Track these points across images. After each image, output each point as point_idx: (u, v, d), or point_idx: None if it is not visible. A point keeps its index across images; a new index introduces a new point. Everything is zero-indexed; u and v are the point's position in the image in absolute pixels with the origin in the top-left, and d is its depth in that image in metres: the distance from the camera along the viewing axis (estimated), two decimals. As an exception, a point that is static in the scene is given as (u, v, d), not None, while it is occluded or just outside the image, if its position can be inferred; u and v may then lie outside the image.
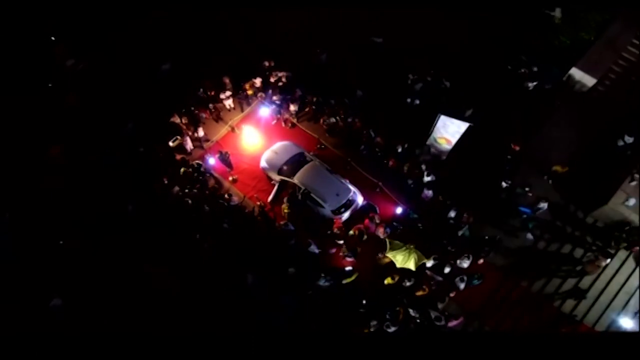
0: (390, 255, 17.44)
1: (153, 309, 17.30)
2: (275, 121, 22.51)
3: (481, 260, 18.45)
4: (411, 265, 17.14)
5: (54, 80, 22.45)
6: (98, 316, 16.92)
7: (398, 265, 17.31)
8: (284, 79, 22.71)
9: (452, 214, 18.96)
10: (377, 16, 24.92)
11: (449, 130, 18.95)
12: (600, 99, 22.12)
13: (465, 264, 17.86)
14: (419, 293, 17.53)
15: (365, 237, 18.74)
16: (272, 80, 22.65)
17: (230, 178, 20.94)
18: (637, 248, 18.39)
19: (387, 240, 17.82)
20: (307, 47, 23.73)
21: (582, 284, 18.29)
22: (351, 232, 18.75)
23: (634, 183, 19.52)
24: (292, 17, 24.66)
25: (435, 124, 19.29)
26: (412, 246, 17.40)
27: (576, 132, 21.29)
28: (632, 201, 19.17)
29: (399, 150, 20.75)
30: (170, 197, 19.42)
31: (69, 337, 10.76)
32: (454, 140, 19.16)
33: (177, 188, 19.62)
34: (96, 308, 17.19)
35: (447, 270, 17.80)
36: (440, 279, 17.81)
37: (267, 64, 22.89)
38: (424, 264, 17.53)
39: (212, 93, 22.49)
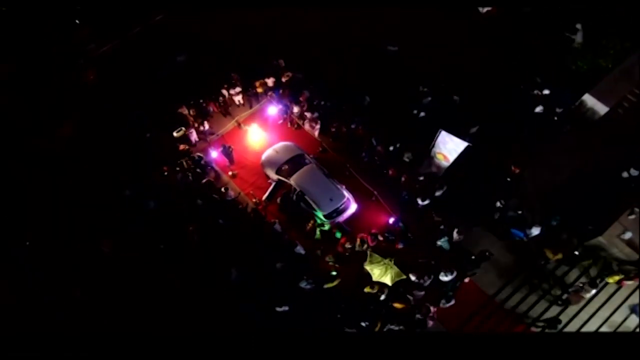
0: (367, 268, 17.82)
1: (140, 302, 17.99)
2: (281, 121, 23.16)
3: (467, 279, 18.80)
4: (387, 280, 17.50)
5: (72, 61, 23.53)
6: (85, 313, 17.58)
7: (374, 278, 17.66)
8: (294, 80, 23.40)
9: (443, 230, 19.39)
10: (393, 23, 25.54)
11: (447, 147, 19.24)
12: (610, 128, 22.10)
13: (447, 277, 18.13)
14: (398, 305, 17.84)
15: (365, 246, 19.08)
16: (282, 80, 23.28)
17: (230, 173, 21.64)
18: (626, 282, 18.46)
19: (368, 252, 18.19)
20: (320, 49, 24.43)
21: (567, 313, 18.45)
22: (357, 240, 19.08)
23: (633, 217, 19.54)
24: (306, 18, 25.38)
25: (436, 139, 19.68)
26: (391, 261, 17.75)
27: (582, 159, 21.35)
28: (628, 235, 19.18)
29: (390, 149, 21.40)
30: (168, 186, 20.27)
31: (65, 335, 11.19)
32: (451, 157, 19.43)
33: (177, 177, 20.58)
34: (85, 304, 17.90)
35: (427, 283, 18.12)
36: (421, 294, 18.06)
37: (278, 63, 23.59)
38: (402, 280, 17.87)
39: (224, 87, 23.18)
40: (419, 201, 19.60)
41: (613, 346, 9.69)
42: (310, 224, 19.63)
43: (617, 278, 18.50)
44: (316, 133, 22.33)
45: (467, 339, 12.12)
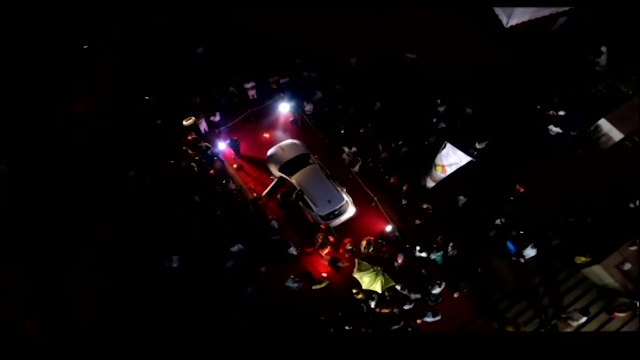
0: (357, 276, 18.07)
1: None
2: (292, 119, 23.66)
3: (457, 294, 18.97)
4: (378, 288, 17.73)
5: (93, 42, 24.49)
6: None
7: (364, 287, 17.89)
8: (308, 80, 23.91)
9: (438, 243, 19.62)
10: (414, 30, 25.86)
11: (449, 160, 19.24)
12: (624, 156, 21.90)
13: (437, 290, 18.36)
14: (384, 310, 18.15)
15: (371, 249, 19.48)
16: (296, 78, 23.89)
17: (235, 165, 22.25)
18: (617, 314, 18.35)
19: (356, 260, 18.53)
20: (337, 51, 24.69)
21: (553, 339, 18.45)
22: (364, 243, 19.52)
23: (634, 248, 19.34)
24: (321, 18, 25.76)
25: (441, 151, 19.86)
26: (380, 269, 18.00)
27: (591, 184, 21.14)
28: (627, 266, 19.00)
29: (393, 146, 21.92)
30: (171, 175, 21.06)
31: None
32: (449, 171, 19.44)
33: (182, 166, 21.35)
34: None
35: (414, 297, 18.38)
36: (408, 307, 18.23)
37: (295, 62, 24.13)
38: (392, 287, 18.16)
39: (239, 80, 23.78)
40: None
41: (613, 346, 9.89)
42: (320, 237, 19.73)
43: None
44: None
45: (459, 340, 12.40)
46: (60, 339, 10.76)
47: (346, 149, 21.93)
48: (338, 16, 25.52)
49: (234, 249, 18.77)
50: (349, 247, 19.66)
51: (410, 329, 18.11)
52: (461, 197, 20.64)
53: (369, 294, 18.14)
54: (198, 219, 19.85)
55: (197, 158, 21.71)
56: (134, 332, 15.48)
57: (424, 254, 19.20)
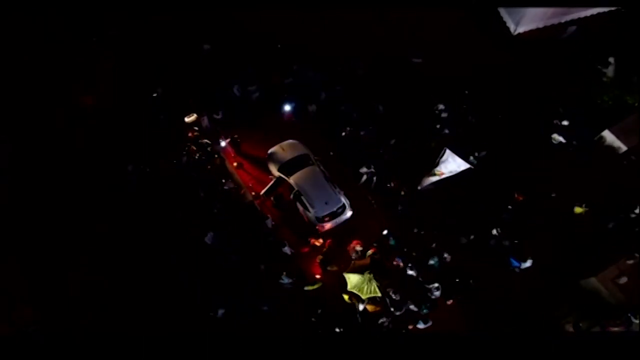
0: (355, 291, 18.42)
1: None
2: (295, 119, 23.94)
3: (450, 301, 19.46)
4: (377, 292, 18.20)
5: (99, 35, 24.84)
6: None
7: (364, 297, 18.26)
8: (313, 80, 24.22)
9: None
10: (419, 33, 26.09)
11: (448, 167, 19.79)
12: (625, 168, 22.30)
13: (435, 294, 19.00)
14: (377, 308, 18.73)
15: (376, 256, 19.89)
16: (301, 79, 24.24)
17: (235, 163, 22.60)
18: (611, 328, 18.73)
19: (344, 275, 18.92)
20: (337, 51, 24.96)
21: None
22: (369, 252, 19.93)
23: (631, 261, 19.76)
24: (326, 18, 25.89)
25: (440, 157, 20.30)
26: (370, 274, 18.43)
27: (591, 196, 21.46)
28: (623, 279, 19.44)
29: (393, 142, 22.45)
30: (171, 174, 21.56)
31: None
32: (446, 175, 20.08)
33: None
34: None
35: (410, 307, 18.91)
36: (399, 313, 18.76)
37: (293, 65, 24.52)
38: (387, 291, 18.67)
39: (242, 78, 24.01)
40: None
41: (613, 346, 10.29)
42: (319, 242, 20.39)
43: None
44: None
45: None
46: (60, 338, 11.13)
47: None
48: (338, 16, 25.61)
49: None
50: (358, 248, 20.11)
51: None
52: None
53: (359, 298, 18.60)
54: (198, 218, 20.33)
55: (197, 155, 22.09)
56: (134, 332, 15.86)
57: (413, 272, 19.67)
